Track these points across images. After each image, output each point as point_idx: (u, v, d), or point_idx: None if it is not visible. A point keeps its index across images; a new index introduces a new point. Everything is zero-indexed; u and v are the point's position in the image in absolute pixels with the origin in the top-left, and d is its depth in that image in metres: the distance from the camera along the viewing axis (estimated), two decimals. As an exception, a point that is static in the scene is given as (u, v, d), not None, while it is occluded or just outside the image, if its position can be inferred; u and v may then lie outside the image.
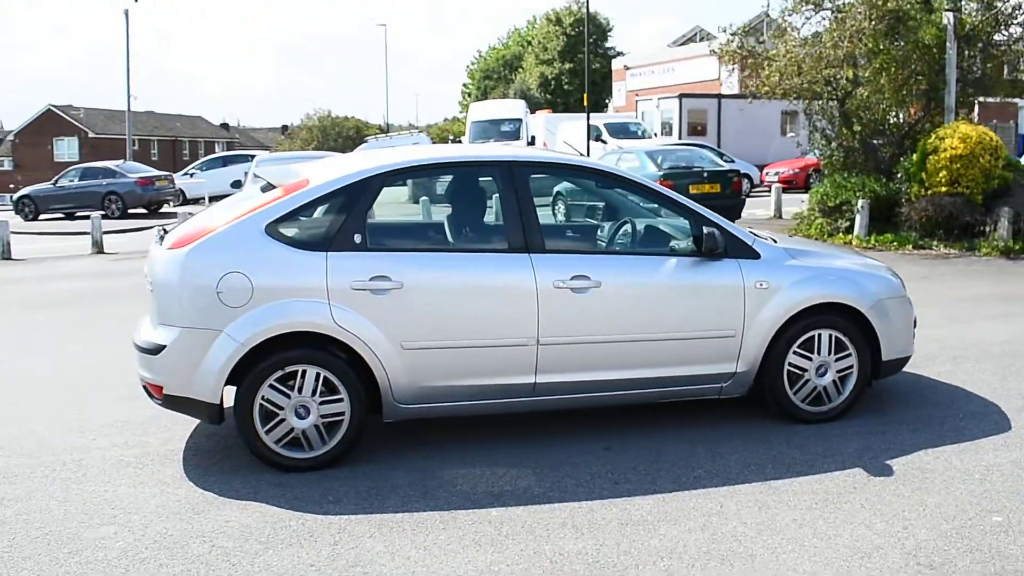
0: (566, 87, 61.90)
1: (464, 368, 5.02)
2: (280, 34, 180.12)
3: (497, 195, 5.19)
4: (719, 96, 36.37)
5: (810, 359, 5.50)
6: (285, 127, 74.48)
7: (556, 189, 13.71)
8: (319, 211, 5.07)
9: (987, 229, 13.34)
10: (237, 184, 17.37)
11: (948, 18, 14.30)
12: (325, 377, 4.86)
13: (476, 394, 5.09)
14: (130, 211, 25.90)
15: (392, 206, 7.33)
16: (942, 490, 4.57)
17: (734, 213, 15.16)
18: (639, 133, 32.76)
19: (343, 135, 55.60)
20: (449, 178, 5.67)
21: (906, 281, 6.10)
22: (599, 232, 5.86)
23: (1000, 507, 4.35)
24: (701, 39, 50.82)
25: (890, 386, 6.20)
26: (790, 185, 26.61)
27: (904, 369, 6.03)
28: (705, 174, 15.87)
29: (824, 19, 15.83)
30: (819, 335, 5.49)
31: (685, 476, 4.81)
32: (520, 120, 32.06)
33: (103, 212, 21.15)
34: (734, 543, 4.02)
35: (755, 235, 5.66)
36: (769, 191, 24.59)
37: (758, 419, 5.63)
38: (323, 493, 4.64)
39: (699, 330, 5.32)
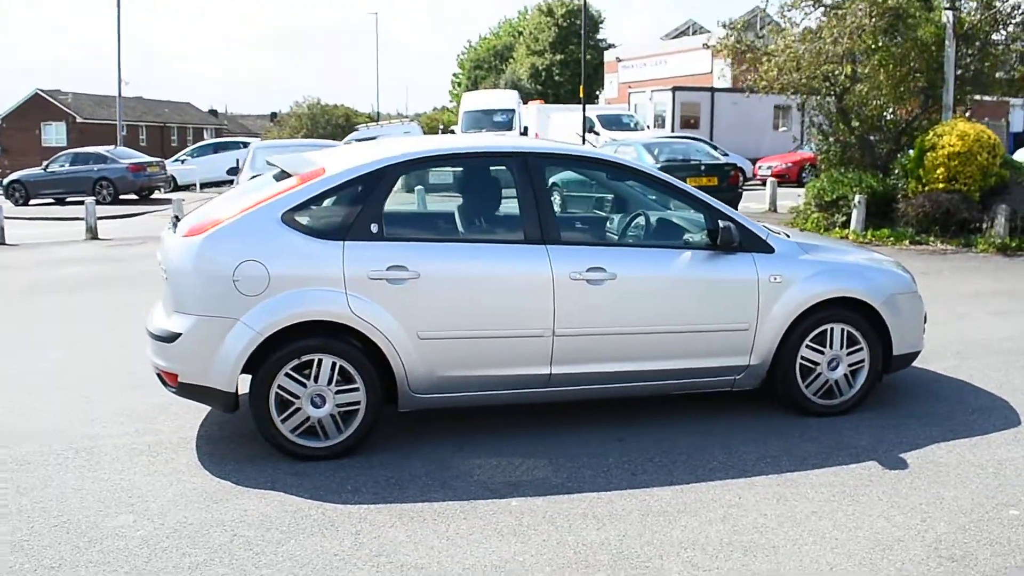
0: (557, 78, 61.85)
1: (480, 358, 5.02)
2: (269, 21, 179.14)
3: (514, 186, 5.17)
4: (712, 89, 36.43)
5: (822, 353, 5.52)
6: (274, 114, 74.00)
7: (551, 180, 13.67)
8: (336, 200, 5.05)
9: (984, 226, 13.42)
10: (233, 171, 17.23)
11: (947, 16, 14.36)
12: (341, 366, 4.85)
13: (491, 384, 5.09)
14: (121, 197, 25.74)
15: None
16: (957, 484, 4.60)
17: (731, 206, 15.17)
18: (632, 125, 32.79)
19: (332, 123, 55.32)
20: (459, 169, 5.65)
21: (905, 277, 6.12)
22: (613, 224, 5.86)
23: (1016, 501, 4.39)
24: (694, 32, 50.90)
25: (898, 380, 6.24)
26: (783, 179, 26.67)
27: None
28: (702, 167, 15.91)
29: (822, 14, 15.85)
30: (831, 329, 5.52)
31: (701, 468, 4.83)
32: (513, 110, 32.02)
33: (88, 198, 20.97)
34: (755, 535, 4.04)
35: (769, 229, 5.67)
36: (763, 185, 24.71)
37: (770, 412, 5.66)
38: (340, 482, 4.64)
39: (713, 323, 5.33)
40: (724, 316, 5.34)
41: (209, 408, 5.70)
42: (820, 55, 15.11)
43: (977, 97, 16.63)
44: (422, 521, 4.20)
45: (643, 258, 5.31)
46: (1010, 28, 14.67)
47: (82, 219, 16.98)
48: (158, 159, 29.31)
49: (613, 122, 32.35)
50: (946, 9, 14.56)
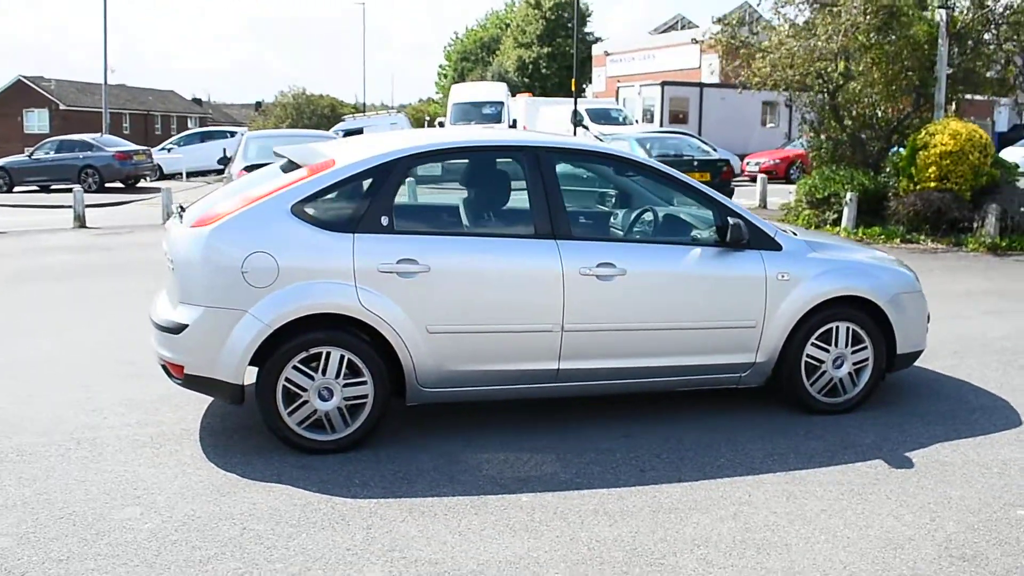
0: (544, 71, 61.72)
1: (488, 353, 5.00)
2: (254, 10, 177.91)
3: (524, 180, 5.15)
4: (701, 85, 36.51)
5: (827, 351, 5.54)
6: (259, 104, 73.53)
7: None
8: (346, 192, 5.00)
9: (975, 225, 13.50)
10: (224, 161, 17.11)
11: (941, 15, 14.42)
12: (349, 359, 4.81)
13: (499, 379, 5.07)
14: (107, 185, 25.50)
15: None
16: (963, 483, 4.62)
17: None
18: (620, 119, 32.77)
19: (318, 113, 55.03)
20: (470, 162, 5.62)
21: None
22: (621, 220, 5.84)
23: (1022, 501, 4.41)
24: (682, 27, 50.97)
25: (900, 379, 6.26)
26: (771, 176, 26.67)
27: (908, 362, 6.09)
28: (695, 162, 15.93)
29: (815, 11, 15.86)
30: (837, 327, 5.53)
31: (709, 465, 4.83)
32: (502, 103, 31.94)
33: (76, 186, 20.77)
34: (767, 532, 4.05)
35: (776, 227, 5.68)
36: (751, 181, 24.76)
37: (774, 409, 5.67)
38: (348, 476, 4.61)
39: (721, 320, 5.33)
40: (732, 313, 5.34)
41: (211, 399, 5.66)
42: (814, 52, 15.14)
43: (968, 96, 16.71)
44: (433, 516, 4.18)
45: (652, 254, 5.30)
46: (1003, 27, 14.72)
47: (68, 207, 16.83)
48: (144, 147, 29.05)
49: (602, 116, 32.31)
50: (939, 8, 14.61)
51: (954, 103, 16.43)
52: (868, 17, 14.30)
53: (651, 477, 4.65)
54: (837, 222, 14.91)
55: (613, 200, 6.54)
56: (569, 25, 61.06)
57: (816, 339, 5.51)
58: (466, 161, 5.58)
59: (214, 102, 79.67)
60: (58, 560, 3.75)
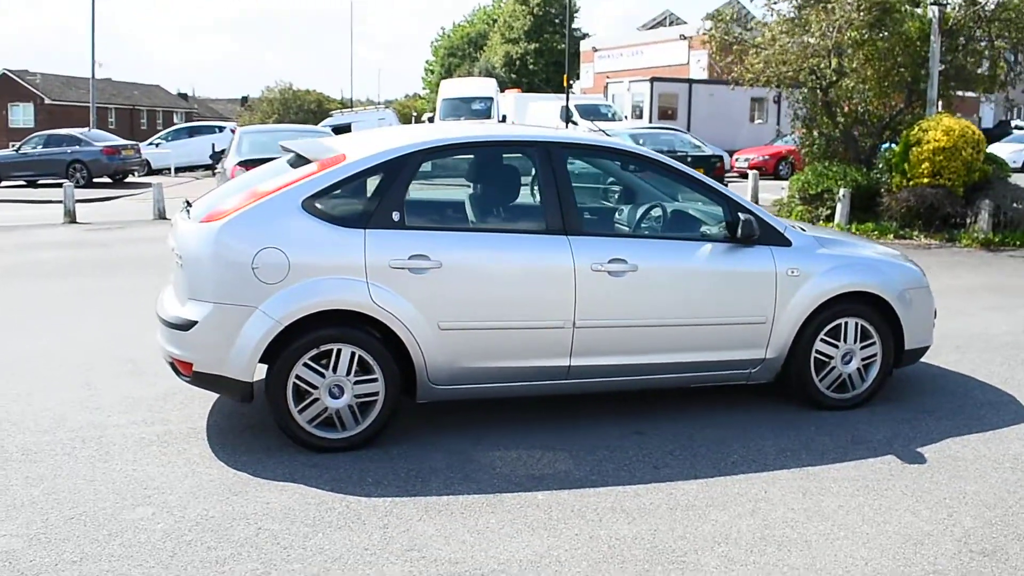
0: (531, 67, 61.66)
1: (500, 349, 4.96)
2: (238, 4, 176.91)
3: (535, 176, 5.12)
4: (690, 81, 36.55)
5: (836, 346, 5.53)
6: (245, 99, 73.29)
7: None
8: (357, 187, 4.95)
9: (968, 221, 13.55)
10: (216, 155, 16.99)
11: (933, 11, 14.46)
12: (360, 356, 4.77)
13: (511, 376, 5.04)
14: (95, 180, 25.28)
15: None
16: (977, 478, 4.62)
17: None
18: (609, 115, 32.74)
19: (304, 108, 54.85)
20: (481, 157, 5.57)
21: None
22: (632, 215, 5.81)
23: (1037, 496, 4.42)
24: (671, 23, 51.05)
25: (906, 375, 6.26)
26: (760, 172, 26.77)
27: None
28: (688, 158, 15.95)
29: (808, 7, 15.87)
30: (846, 323, 5.52)
31: (723, 461, 4.81)
32: (491, 99, 31.88)
33: (67, 180, 20.61)
34: (787, 529, 4.03)
35: (786, 223, 5.66)
36: (740, 177, 24.81)
37: (782, 405, 5.66)
38: (361, 475, 4.56)
39: (732, 316, 5.31)
40: (742, 309, 5.32)
41: (215, 397, 5.62)
42: (807, 48, 15.15)
43: (963, 93, 16.78)
44: (449, 515, 4.14)
45: (663, 250, 5.27)
46: (994, 24, 14.77)
47: (57, 202, 16.70)
48: (133, 142, 28.81)
49: (591, 112, 32.26)
50: (931, 4, 14.66)
51: (953, 99, 16.51)
52: (861, 13, 14.33)
53: (666, 474, 4.63)
54: (830, 218, 14.93)
55: (617, 196, 6.51)
56: (556, 21, 61.09)
57: (825, 335, 5.50)
58: (478, 156, 5.53)
59: (199, 97, 79.26)
60: (71, 562, 3.69)
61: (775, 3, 16.04)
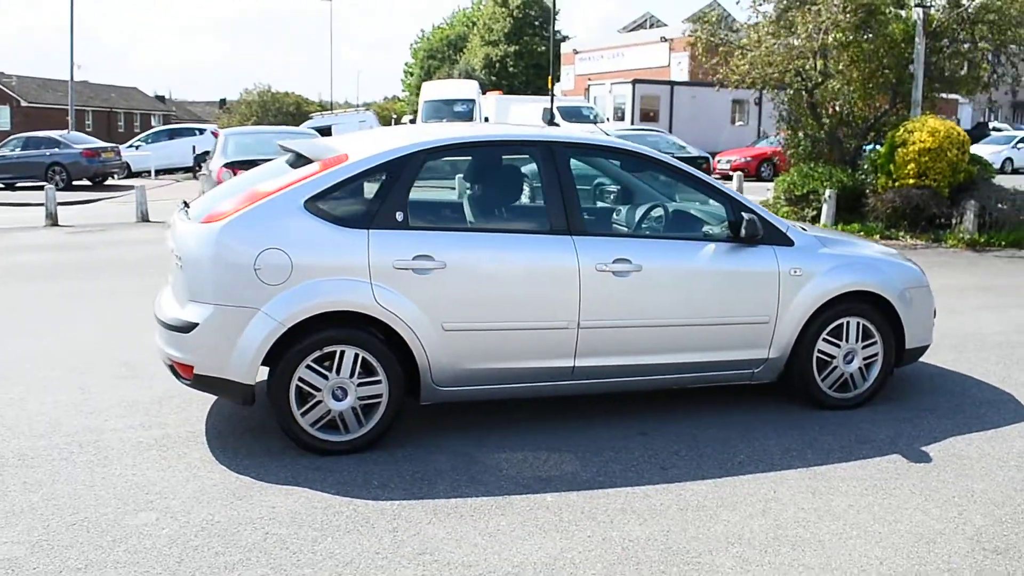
0: (511, 69, 61.62)
1: (504, 351, 4.92)
2: (215, 6, 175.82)
3: (539, 175, 5.08)
4: (672, 83, 36.68)
5: (839, 346, 5.53)
6: (223, 101, 72.78)
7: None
8: (360, 187, 4.89)
9: (953, 221, 13.65)
10: (201, 157, 16.85)
11: (918, 13, 14.56)
12: (363, 358, 4.71)
13: (515, 377, 5.00)
14: (75, 183, 25.00)
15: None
16: (984, 477, 4.63)
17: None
18: (591, 117, 32.81)
19: (283, 111, 54.54)
20: (484, 157, 5.52)
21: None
22: (635, 215, 5.78)
23: (1044, 494, 4.43)
24: (651, 26, 51.19)
25: (905, 374, 6.28)
26: (743, 174, 26.90)
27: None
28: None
29: (790, 8, 15.93)
30: (848, 322, 5.52)
31: (729, 462, 4.79)
32: (473, 100, 31.88)
33: (46, 183, 20.34)
34: (799, 529, 4.02)
35: (788, 223, 5.66)
36: (722, 179, 24.89)
37: (784, 405, 5.65)
38: (366, 478, 4.50)
39: (735, 315, 5.30)
40: (746, 309, 5.31)
41: (212, 400, 5.54)
42: (793, 50, 15.21)
43: (944, 95, 16.91)
44: (459, 517, 4.09)
45: (667, 250, 5.25)
46: (978, 26, 14.89)
47: (37, 205, 16.48)
48: (113, 144, 28.52)
49: (573, 114, 32.33)
50: (916, 6, 14.76)
51: (926, 101, 16.61)
52: (847, 15, 14.41)
53: (673, 475, 4.60)
54: (816, 219, 14.99)
55: (619, 196, 6.48)
56: (536, 23, 61.11)
57: (827, 334, 5.49)
58: (482, 156, 5.48)
59: (177, 99, 78.72)
60: (76, 569, 3.61)
61: (760, 4, 16.10)
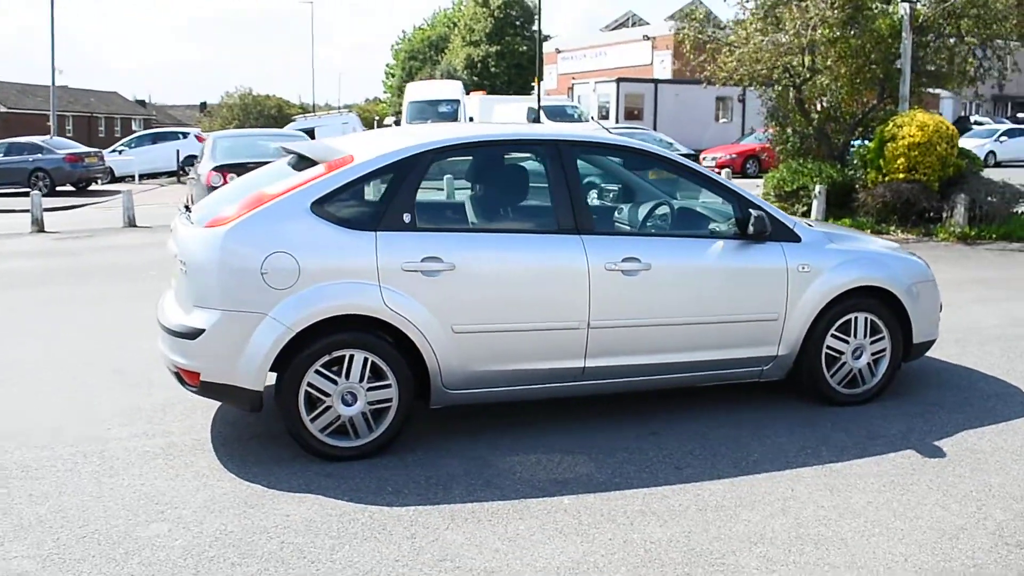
0: (493, 69, 61.53)
1: (514, 352, 4.87)
2: (195, 8, 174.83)
3: (546, 175, 5.02)
4: (656, 81, 36.71)
5: (847, 342, 5.50)
6: (203, 104, 72.33)
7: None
8: (366, 189, 4.83)
9: (944, 215, 13.70)
10: (190, 160, 16.71)
11: (904, 8, 14.60)
12: (372, 362, 4.64)
13: (525, 379, 4.94)
14: (58, 188, 24.74)
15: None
16: (1000, 471, 4.61)
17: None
18: (576, 116, 32.74)
19: (264, 114, 54.22)
20: (491, 156, 5.46)
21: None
22: (642, 214, 5.73)
23: (1061, 487, 4.42)
24: (633, 24, 51.24)
25: (910, 369, 6.26)
26: (728, 171, 26.95)
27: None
28: (664, 158, 15.90)
29: (782, 3, 15.94)
30: (856, 318, 5.50)
31: (743, 460, 4.75)
32: (458, 101, 31.79)
33: (30, 189, 20.13)
34: (820, 527, 3.98)
35: (795, 219, 5.63)
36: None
37: (793, 402, 5.62)
38: (379, 484, 4.44)
39: (744, 313, 5.27)
40: (755, 306, 5.28)
41: (218, 406, 5.46)
42: (780, 46, 15.23)
43: (931, 90, 16.97)
44: (477, 522, 4.03)
45: (676, 248, 5.21)
46: (964, 21, 14.95)
47: (22, 211, 16.30)
48: (96, 149, 28.24)
49: (557, 113, 32.24)
50: (902, 2, 14.80)
51: (913, 96, 16.66)
52: (835, 11, 14.43)
53: (689, 474, 4.56)
54: (806, 215, 15.00)
55: (624, 194, 6.43)
56: (517, 23, 61.06)
57: (836, 330, 5.47)
58: (488, 155, 5.42)
59: (157, 103, 78.21)
60: (89, 582, 3.54)
61: (747, 0, 16.10)
